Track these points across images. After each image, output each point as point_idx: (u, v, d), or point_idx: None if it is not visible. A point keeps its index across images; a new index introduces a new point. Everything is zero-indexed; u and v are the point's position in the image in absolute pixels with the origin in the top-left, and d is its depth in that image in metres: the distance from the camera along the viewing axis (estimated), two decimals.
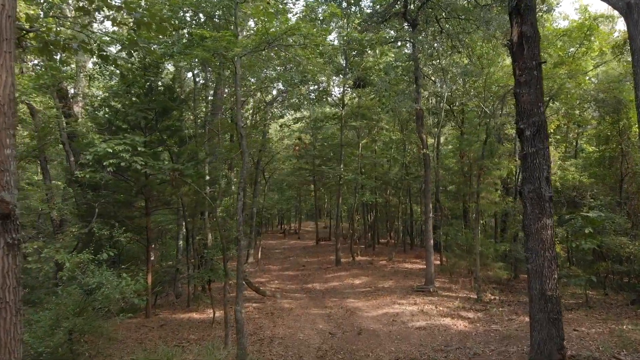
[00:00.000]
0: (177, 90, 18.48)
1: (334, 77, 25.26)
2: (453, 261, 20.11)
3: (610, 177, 19.96)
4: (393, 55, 22.58)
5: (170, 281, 17.47)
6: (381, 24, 18.56)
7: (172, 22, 11.64)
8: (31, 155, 17.40)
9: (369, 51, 22.58)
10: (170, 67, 19.30)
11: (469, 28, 17.04)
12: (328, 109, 29.17)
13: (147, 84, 13.62)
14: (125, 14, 5.25)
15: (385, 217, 34.66)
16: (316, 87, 23.89)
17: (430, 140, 23.28)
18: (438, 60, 19.88)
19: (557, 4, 19.97)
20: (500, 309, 14.26)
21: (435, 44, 18.91)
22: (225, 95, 18.59)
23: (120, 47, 7.74)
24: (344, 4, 20.85)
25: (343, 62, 23.22)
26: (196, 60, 14.14)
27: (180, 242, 18.25)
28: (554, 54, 18.33)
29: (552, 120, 21.24)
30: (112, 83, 17.94)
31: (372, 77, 22.46)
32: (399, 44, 21.66)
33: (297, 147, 31.59)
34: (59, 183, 19.03)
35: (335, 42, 21.97)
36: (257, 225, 28.37)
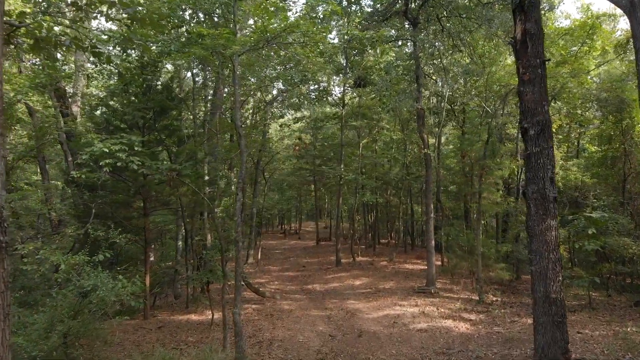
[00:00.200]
0: (176, 89, 18.35)
1: (334, 77, 25.13)
2: (454, 262, 19.96)
3: (613, 177, 19.76)
4: (394, 54, 22.44)
5: (169, 282, 17.33)
6: (382, 23, 18.39)
7: (171, 20, 11.53)
8: (29, 155, 17.28)
9: (370, 50, 22.43)
10: (169, 66, 19.17)
11: (470, 26, 16.87)
12: (328, 109, 29.03)
13: (145, 83, 13.47)
14: (119, 9, 5.10)
15: (386, 218, 34.51)
16: (316, 86, 23.75)
17: (431, 140, 23.11)
18: (439, 60, 19.71)
19: (560, 2, 19.79)
20: (503, 310, 14.10)
21: (437, 43, 18.74)
22: (224, 94, 18.44)
23: (116, 45, 7.59)
24: (344, 3, 20.68)
25: (343, 61, 23.07)
26: (195, 59, 14.01)
27: (180, 243, 18.12)
28: (556, 53, 18.16)
29: (554, 120, 21.02)
30: (111, 82, 17.80)
31: (372, 77, 22.32)
32: (400, 43, 21.50)
33: (297, 147, 31.45)
34: (58, 183, 18.92)
35: (336, 40, 21.82)
36: (257, 226, 28.24)
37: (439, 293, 16.66)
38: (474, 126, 21.59)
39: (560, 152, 22.45)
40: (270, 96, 25.25)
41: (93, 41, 5.75)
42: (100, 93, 18.85)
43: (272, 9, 9.93)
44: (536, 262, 8.02)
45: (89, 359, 8.49)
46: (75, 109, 16.63)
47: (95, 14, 5.27)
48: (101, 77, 19.13)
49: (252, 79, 19.63)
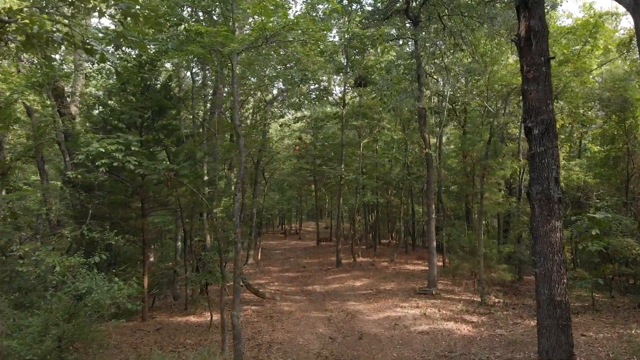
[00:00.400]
0: (175, 88, 18.19)
1: (334, 76, 24.98)
2: (456, 263, 19.78)
3: (616, 177, 19.58)
4: (394, 53, 22.27)
5: (168, 283, 17.18)
6: (383, 22, 18.21)
7: (169, 19, 11.36)
8: (27, 155, 17.13)
9: (371, 50, 22.27)
10: (169, 65, 19.02)
11: (472, 25, 16.69)
12: (329, 109, 28.88)
13: (143, 82, 13.31)
14: (111, 4, 4.94)
15: (387, 218, 34.35)
16: (317, 86, 23.60)
17: (432, 140, 22.96)
18: (441, 59, 19.54)
19: (562, 0, 19.60)
20: (505, 312, 13.93)
21: (438, 42, 18.56)
22: (224, 94, 18.28)
23: (109, 42, 7.43)
24: (345, 1, 20.52)
25: (344, 60, 22.92)
26: (194, 58, 13.84)
27: (179, 244, 17.96)
28: (559, 52, 17.98)
29: (556, 119, 20.87)
30: (111, 82, 17.65)
31: (373, 76, 22.17)
32: (401, 42, 21.33)
33: (297, 147, 31.31)
34: (57, 183, 18.76)
35: (336, 38, 21.64)
36: (257, 226, 28.09)
37: (440, 294, 16.49)
38: (476, 126, 21.43)
39: (563, 152, 22.29)
40: (270, 96, 25.11)
41: (88, 39, 5.59)
42: (99, 92, 18.68)
43: (272, 7, 9.77)
44: (540, 264, 7.85)
45: None
46: (74, 109, 16.48)
47: (88, 10, 5.10)
48: (100, 76, 18.96)
49: (252, 79, 19.49)
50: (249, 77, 19.06)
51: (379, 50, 22.33)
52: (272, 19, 9.29)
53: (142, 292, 13.25)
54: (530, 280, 18.91)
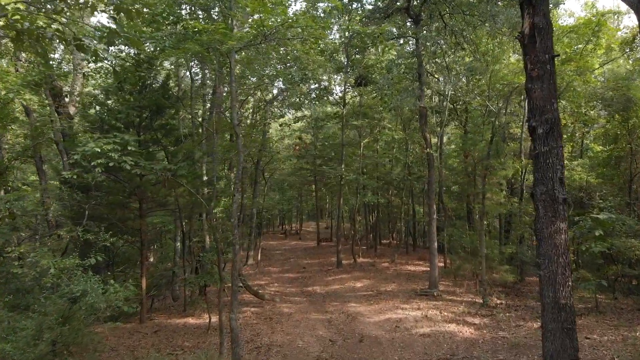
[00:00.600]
0: (175, 88, 18.03)
1: (335, 76, 24.82)
2: (457, 264, 19.61)
3: (618, 177, 19.41)
4: (395, 52, 22.10)
5: (167, 284, 17.03)
6: (383, 20, 18.03)
7: (166, 16, 11.20)
8: (25, 155, 16.98)
9: (371, 49, 22.10)
10: (168, 65, 18.86)
11: (474, 23, 16.51)
12: (329, 108, 28.71)
13: (141, 81, 13.14)
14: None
15: (388, 218, 34.20)
16: (317, 85, 23.43)
17: (433, 140, 22.78)
18: (442, 58, 19.37)
19: None
20: (507, 314, 13.75)
21: (439, 41, 18.38)
22: (224, 93, 18.12)
23: (102, 38, 7.26)
24: (345, 0, 20.34)
25: (344, 59, 22.75)
26: (193, 57, 13.67)
27: (178, 244, 17.81)
28: (561, 50, 17.81)
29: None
30: (109, 81, 17.50)
31: (374, 75, 22.00)
32: (402, 41, 21.15)
33: (297, 147, 31.15)
34: (56, 183, 18.60)
35: (337, 36, 21.48)
36: (257, 226, 27.92)
37: (441, 296, 16.33)
38: (477, 125, 21.24)
39: (565, 152, 22.05)
40: (270, 95, 24.95)
41: (86, 37, 5.44)
42: (96, 92, 18.52)
43: (270, 5, 9.60)
44: (545, 267, 7.67)
45: None
46: (72, 109, 16.33)
47: (79, 5, 4.94)
48: (99, 75, 18.81)
49: (252, 78, 19.33)
50: (249, 76, 18.90)
51: (379, 49, 22.15)
52: (270, 16, 9.12)
53: (140, 294, 13.08)
54: (532, 281, 18.75)
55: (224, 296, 11.57)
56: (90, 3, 4.92)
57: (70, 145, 13.14)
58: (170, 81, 16.53)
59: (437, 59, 20.08)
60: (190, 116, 17.64)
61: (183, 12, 13.74)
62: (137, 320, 13.65)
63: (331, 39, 21.68)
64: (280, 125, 28.65)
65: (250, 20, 16.22)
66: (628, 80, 18.25)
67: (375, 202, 26.53)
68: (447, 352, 10.45)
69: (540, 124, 7.57)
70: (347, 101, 24.70)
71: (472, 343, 11.02)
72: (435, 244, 17.50)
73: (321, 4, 18.37)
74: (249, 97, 23.90)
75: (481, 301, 15.13)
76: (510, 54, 20.35)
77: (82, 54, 15.36)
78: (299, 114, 27.67)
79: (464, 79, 20.87)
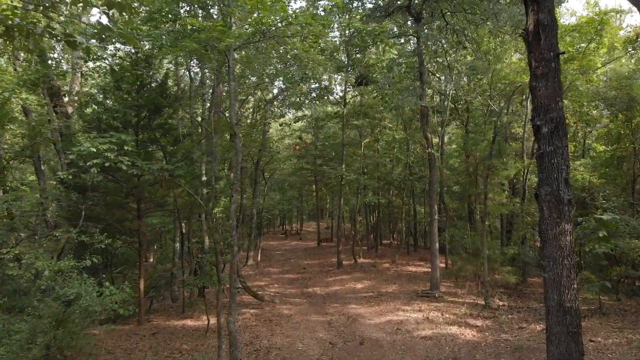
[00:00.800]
0: (174, 87, 17.87)
1: (335, 75, 24.65)
2: (459, 265, 19.42)
3: (621, 177, 19.24)
4: (396, 51, 21.94)
5: (166, 285, 16.87)
6: (384, 19, 17.85)
7: (164, 14, 11.04)
8: (23, 154, 16.82)
9: (372, 48, 21.93)
10: (167, 63, 18.70)
11: (475, 21, 16.32)
12: (329, 108, 28.56)
13: (139, 80, 12.98)
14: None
15: (388, 218, 34.01)
16: (317, 85, 23.27)
17: (435, 140, 22.61)
18: (443, 57, 19.19)
19: None
20: (510, 316, 13.58)
21: (441, 40, 18.20)
22: (223, 93, 17.96)
23: (96, 35, 7.11)
24: None
25: (345, 59, 22.58)
26: (192, 56, 13.51)
27: (177, 245, 17.65)
28: (564, 49, 17.63)
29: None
30: (108, 80, 17.35)
31: (374, 75, 21.83)
32: (403, 39, 20.98)
33: (297, 147, 30.99)
34: (55, 183, 18.44)
35: (337, 34, 21.29)
36: (258, 227, 27.77)
37: (443, 297, 16.15)
38: (479, 125, 21.07)
39: None
40: (270, 95, 24.79)
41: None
42: (94, 91, 18.36)
43: (270, 2, 9.44)
44: (549, 269, 7.49)
45: None
46: (71, 109, 16.17)
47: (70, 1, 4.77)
48: (97, 75, 18.66)
49: (251, 78, 19.17)
50: (249, 75, 18.74)
51: (380, 48, 21.98)
52: (269, 14, 8.95)
53: (137, 296, 12.92)
54: (535, 282, 18.57)
55: (223, 297, 11.40)
56: None
57: (67, 145, 12.98)
58: (169, 80, 16.38)
59: (438, 58, 19.91)
60: (189, 116, 17.49)
61: (182, 10, 13.61)
62: (135, 322, 13.50)
63: (331, 38, 21.52)
64: (281, 125, 28.50)
65: (249, 20, 16.09)
66: (631, 80, 18.08)
67: (376, 202, 26.39)
68: (449, 355, 10.29)
69: (545, 123, 7.40)
70: (347, 101, 24.54)
71: (474, 346, 10.85)
72: (437, 244, 17.32)
73: (322, 2, 18.20)
74: (249, 97, 23.75)
75: (483, 303, 14.96)
76: (512, 53, 20.19)
77: (80, 53, 15.21)
78: (299, 113, 27.53)
79: (465, 78, 20.69)
